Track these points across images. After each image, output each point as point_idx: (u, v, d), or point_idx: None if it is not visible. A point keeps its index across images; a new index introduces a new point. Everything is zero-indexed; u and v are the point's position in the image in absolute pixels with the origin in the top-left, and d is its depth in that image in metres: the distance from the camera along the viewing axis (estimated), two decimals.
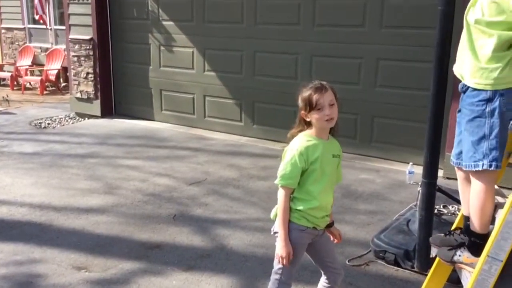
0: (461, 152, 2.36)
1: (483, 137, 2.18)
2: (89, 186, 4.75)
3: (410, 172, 4.89)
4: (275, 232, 2.33)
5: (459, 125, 2.46)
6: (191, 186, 4.76)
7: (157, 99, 7.38)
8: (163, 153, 5.89)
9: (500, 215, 1.94)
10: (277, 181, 2.25)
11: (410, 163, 4.97)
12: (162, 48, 7.14)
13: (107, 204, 4.31)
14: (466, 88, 2.33)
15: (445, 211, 3.56)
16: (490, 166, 2.15)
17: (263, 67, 6.32)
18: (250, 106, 6.54)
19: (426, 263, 3.04)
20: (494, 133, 2.15)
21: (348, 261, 3.31)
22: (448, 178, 4.79)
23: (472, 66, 2.26)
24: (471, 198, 2.22)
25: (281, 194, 2.24)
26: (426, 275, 2.75)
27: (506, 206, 1.92)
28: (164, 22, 7.01)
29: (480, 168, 2.17)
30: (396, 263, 3.23)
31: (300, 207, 2.25)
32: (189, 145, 6.23)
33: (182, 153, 5.87)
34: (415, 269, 3.15)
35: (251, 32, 6.32)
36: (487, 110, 2.17)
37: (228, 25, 6.47)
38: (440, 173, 4.86)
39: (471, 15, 2.25)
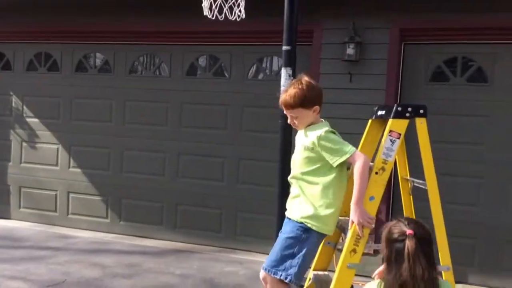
0: None
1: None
2: None
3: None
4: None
5: None
6: None
7: (15, 196, 7.00)
8: (19, 254, 5.52)
9: None
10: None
11: None
12: (24, 144, 6.93)
13: None
14: None
15: None
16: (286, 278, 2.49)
17: (131, 164, 6.45)
18: (117, 203, 6.52)
19: None
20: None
21: None
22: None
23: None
24: None
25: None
26: None
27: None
28: (28, 119, 6.88)
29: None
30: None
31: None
32: (48, 245, 5.93)
33: (40, 253, 5.56)
34: None
35: (119, 131, 6.49)
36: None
37: (96, 123, 6.58)
38: None
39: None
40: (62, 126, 6.74)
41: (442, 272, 2.33)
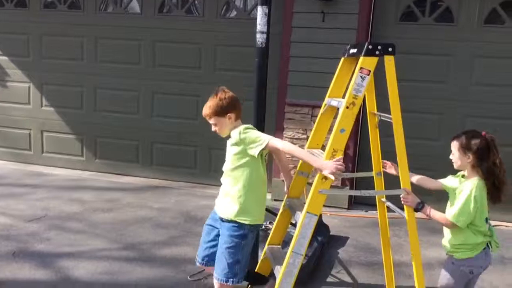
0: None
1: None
2: None
3: None
4: None
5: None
6: (30, 223, 4.67)
7: None
8: None
9: (299, 219, 2.51)
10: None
11: None
12: None
13: None
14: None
15: (271, 226, 4.15)
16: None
17: (104, 103, 6.48)
18: (92, 141, 6.60)
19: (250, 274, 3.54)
20: None
21: (190, 277, 3.67)
22: (276, 200, 5.49)
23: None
24: None
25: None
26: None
27: (303, 212, 2.50)
28: None
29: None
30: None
31: None
32: (26, 182, 6.03)
33: (19, 190, 5.68)
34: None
35: (92, 69, 6.45)
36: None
37: (68, 62, 6.51)
38: (269, 196, 5.58)
39: None
40: (33, 64, 6.64)
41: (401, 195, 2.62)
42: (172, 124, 6.25)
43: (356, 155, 5.50)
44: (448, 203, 2.76)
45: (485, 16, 5.08)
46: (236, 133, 2.73)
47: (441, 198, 2.93)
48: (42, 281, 3.55)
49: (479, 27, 5.11)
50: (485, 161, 2.62)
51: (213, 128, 2.89)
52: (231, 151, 2.79)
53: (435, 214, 2.68)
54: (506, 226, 5.13)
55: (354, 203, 5.63)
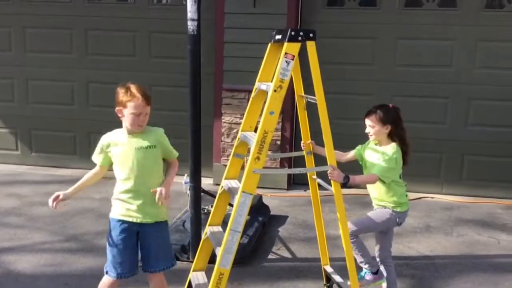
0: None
1: None
2: None
3: (185, 182, 5.55)
4: None
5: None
6: None
7: None
8: None
9: (236, 198, 2.66)
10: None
11: (186, 175, 5.63)
12: None
13: None
14: None
15: (211, 209, 4.29)
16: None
17: (37, 94, 6.32)
18: (27, 134, 6.44)
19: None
20: None
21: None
22: (217, 184, 5.62)
23: None
24: None
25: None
26: None
27: (239, 192, 2.65)
28: None
29: None
30: (176, 258, 3.79)
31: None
32: None
33: None
34: (191, 260, 3.76)
35: (21, 60, 6.26)
36: None
37: None
38: (210, 180, 5.71)
39: None
40: None
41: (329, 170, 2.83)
42: (109, 114, 6.17)
43: (292, 136, 5.73)
44: (364, 171, 3.13)
45: None
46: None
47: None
48: None
49: (399, 10, 5.43)
50: (399, 128, 3.07)
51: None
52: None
53: (361, 177, 3.04)
54: (431, 198, 5.55)
55: (293, 183, 5.87)
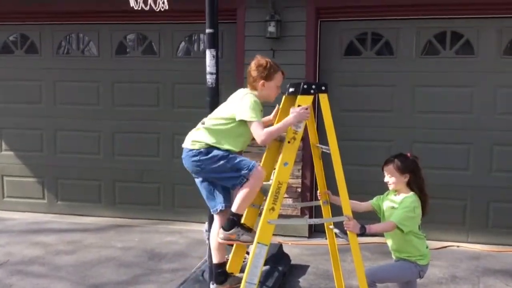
0: None
1: None
2: None
3: (206, 230, 5.58)
4: None
5: None
6: None
7: None
8: None
9: (251, 249, 2.67)
10: None
11: (206, 222, 5.67)
12: None
13: None
14: None
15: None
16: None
17: (65, 144, 6.53)
18: (54, 183, 6.62)
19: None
20: None
21: None
22: None
23: None
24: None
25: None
26: None
27: (254, 243, 2.66)
28: None
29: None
30: None
31: None
32: None
33: None
34: None
35: (51, 112, 6.52)
36: None
37: (25, 105, 6.57)
38: None
39: None
40: None
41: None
42: (133, 163, 6.35)
43: (313, 184, 5.72)
44: (382, 221, 3.09)
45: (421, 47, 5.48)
46: None
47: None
48: None
49: (416, 58, 5.49)
50: (417, 178, 3.04)
51: None
52: None
53: (378, 226, 3.01)
54: (457, 247, 5.40)
55: (315, 231, 5.81)
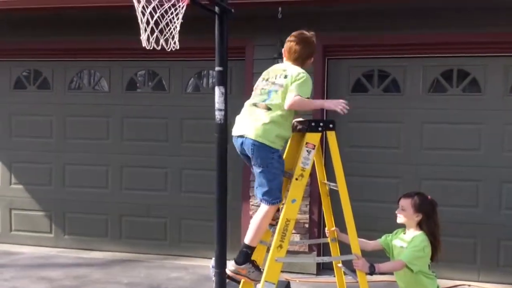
0: None
1: None
2: None
3: (213, 266, 5.52)
4: None
5: None
6: None
7: None
8: None
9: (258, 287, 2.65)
10: None
11: (213, 258, 5.62)
12: None
13: None
14: None
15: None
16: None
17: (73, 178, 6.57)
18: (61, 217, 6.62)
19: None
20: None
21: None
22: None
23: None
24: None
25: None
26: None
27: (262, 281, 2.64)
28: None
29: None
30: None
31: None
32: None
33: None
34: None
35: (60, 146, 6.60)
36: None
37: (36, 139, 6.65)
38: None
39: None
40: (2, 143, 6.75)
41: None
42: (140, 197, 6.35)
43: (320, 220, 5.68)
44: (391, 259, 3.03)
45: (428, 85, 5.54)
46: None
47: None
48: None
49: (423, 95, 5.54)
50: (430, 221, 3.00)
51: None
52: None
53: (387, 265, 2.97)
54: (468, 286, 5.30)
55: (323, 268, 5.73)
